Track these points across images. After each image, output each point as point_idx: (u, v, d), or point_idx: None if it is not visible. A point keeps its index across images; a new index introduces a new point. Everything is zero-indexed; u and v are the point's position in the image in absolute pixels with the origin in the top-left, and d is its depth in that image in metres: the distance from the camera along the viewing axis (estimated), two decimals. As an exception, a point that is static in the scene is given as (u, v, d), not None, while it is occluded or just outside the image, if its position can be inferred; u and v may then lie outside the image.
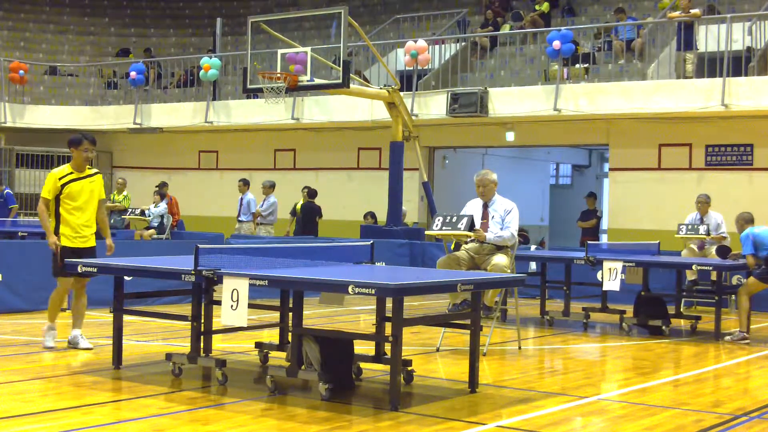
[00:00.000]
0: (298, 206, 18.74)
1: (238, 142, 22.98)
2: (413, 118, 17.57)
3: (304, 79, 14.97)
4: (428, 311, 12.43)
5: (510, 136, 19.56)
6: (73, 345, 8.87)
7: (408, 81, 19.01)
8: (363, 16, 25.01)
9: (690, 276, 12.75)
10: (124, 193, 19.05)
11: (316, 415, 6.31)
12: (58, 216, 8.75)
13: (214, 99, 22.11)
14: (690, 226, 13.68)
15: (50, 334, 8.85)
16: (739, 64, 16.44)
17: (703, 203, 13.94)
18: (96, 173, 9.01)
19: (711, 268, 10.95)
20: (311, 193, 18.72)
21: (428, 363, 8.59)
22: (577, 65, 18.90)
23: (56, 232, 8.75)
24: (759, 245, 10.37)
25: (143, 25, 29.25)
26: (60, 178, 8.73)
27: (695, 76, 16.85)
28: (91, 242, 8.93)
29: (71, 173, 8.78)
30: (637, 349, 9.99)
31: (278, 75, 14.86)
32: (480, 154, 22.65)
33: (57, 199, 8.75)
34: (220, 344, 8.83)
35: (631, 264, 11.03)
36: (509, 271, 9.27)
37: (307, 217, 18.50)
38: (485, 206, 9.70)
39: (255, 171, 21.88)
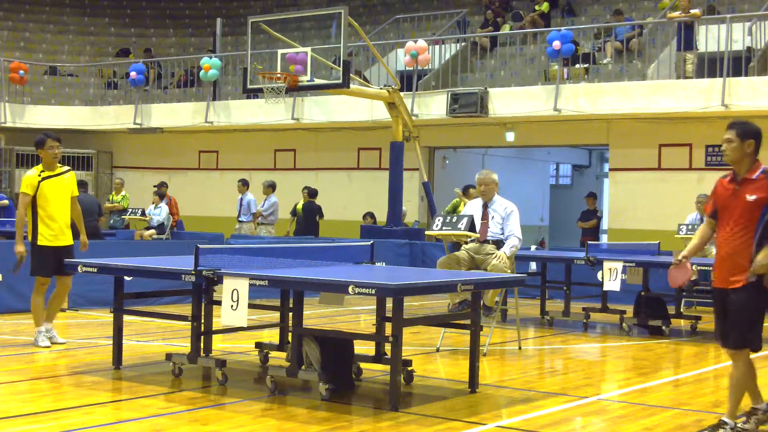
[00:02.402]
0: (299, 206, 18.74)
1: (238, 142, 22.98)
2: (413, 118, 17.56)
3: (304, 79, 14.97)
4: (428, 311, 12.44)
5: (510, 136, 19.56)
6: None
7: (408, 81, 19.01)
8: (363, 16, 25.01)
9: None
10: (123, 193, 19.05)
11: (316, 415, 6.31)
12: (35, 217, 8.84)
13: (214, 99, 22.10)
14: (690, 226, 13.68)
15: (41, 334, 8.88)
16: (739, 64, 16.44)
17: (704, 203, 13.93)
18: (68, 170, 9.10)
19: (711, 268, 10.92)
20: (312, 193, 18.73)
21: (428, 363, 8.59)
22: (577, 65, 18.90)
23: (35, 233, 8.84)
24: None
25: (143, 25, 29.24)
26: (38, 175, 8.85)
27: (695, 76, 16.85)
28: (69, 240, 9.02)
29: (44, 171, 8.91)
30: (637, 349, 9.99)
31: (278, 75, 14.86)
32: (480, 154, 22.65)
33: (33, 201, 8.84)
34: (220, 344, 8.83)
35: (631, 264, 11.02)
36: (509, 271, 9.27)
37: (308, 217, 18.50)
38: (485, 206, 9.71)
39: (255, 171, 21.88)
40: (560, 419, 6.53)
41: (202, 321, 7.57)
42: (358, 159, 21.44)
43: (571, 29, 18.62)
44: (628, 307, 11.53)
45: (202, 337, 7.60)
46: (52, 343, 8.93)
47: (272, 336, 9.01)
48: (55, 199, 8.89)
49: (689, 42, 17.25)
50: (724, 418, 5.90)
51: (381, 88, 16.62)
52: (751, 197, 5.82)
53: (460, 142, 20.64)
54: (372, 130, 20.34)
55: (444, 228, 9.35)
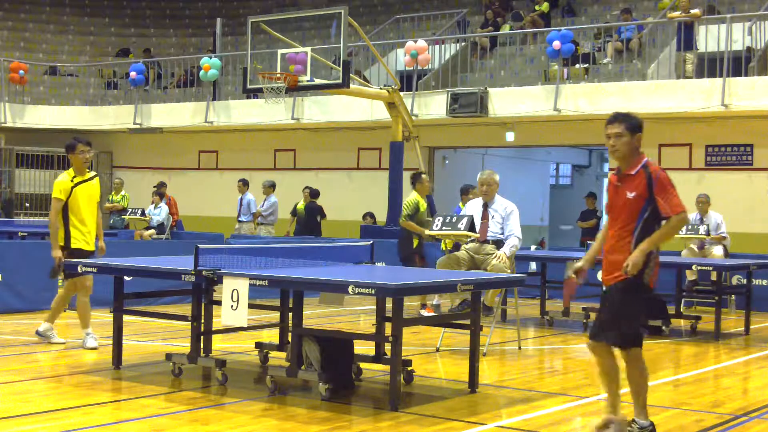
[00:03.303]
0: (300, 206, 18.73)
1: (238, 142, 22.98)
2: (413, 118, 17.56)
3: (304, 79, 14.97)
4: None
5: (510, 136, 19.55)
6: (45, 339, 9.05)
7: (408, 81, 19.00)
8: (363, 16, 25.01)
9: (690, 276, 12.75)
10: (122, 192, 19.04)
11: (316, 415, 6.31)
12: (67, 221, 8.82)
13: (214, 99, 22.10)
14: (690, 226, 13.68)
15: (89, 336, 8.87)
16: (739, 64, 16.43)
17: (704, 203, 13.94)
18: (94, 176, 9.13)
19: (711, 268, 10.96)
20: (313, 194, 18.74)
21: (428, 363, 8.59)
22: (577, 65, 18.90)
23: (67, 237, 8.81)
24: None
25: (143, 25, 29.24)
26: (71, 180, 8.84)
27: (695, 76, 16.85)
28: (93, 246, 9.06)
29: (75, 176, 8.91)
30: (637, 349, 9.97)
31: (278, 75, 14.86)
32: (480, 154, 22.65)
33: (65, 205, 8.82)
34: (220, 344, 8.83)
35: (631, 264, 11.01)
36: (509, 271, 9.27)
37: (310, 217, 18.52)
38: (485, 206, 9.71)
39: (255, 171, 21.87)
40: (560, 419, 6.53)
41: (202, 321, 7.58)
42: (358, 159, 21.44)
43: (571, 29, 18.60)
44: (628, 307, 11.51)
45: (202, 337, 7.60)
46: (50, 342, 8.95)
47: (272, 336, 9.01)
48: (85, 204, 8.89)
49: (689, 42, 17.24)
50: (634, 417, 5.78)
51: (381, 88, 16.62)
52: (630, 194, 5.66)
53: (460, 142, 20.64)
54: (372, 130, 20.34)
55: (444, 228, 9.35)
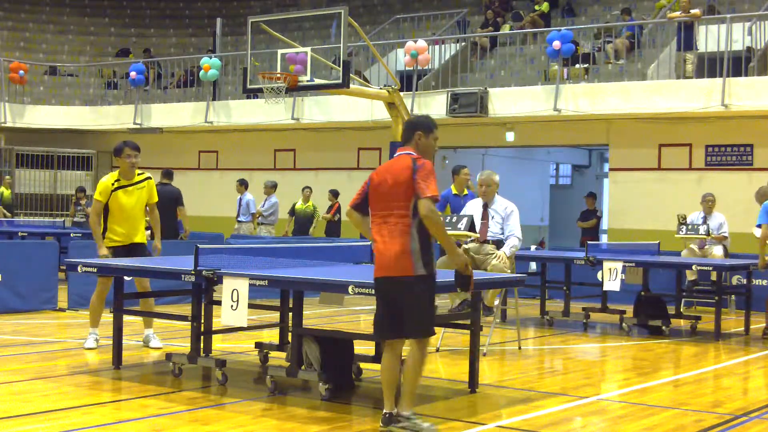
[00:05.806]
0: (299, 206, 18.72)
1: (238, 142, 22.98)
2: (413, 118, 17.52)
3: (304, 79, 14.95)
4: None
5: (510, 136, 19.54)
6: (145, 343, 9.02)
7: (408, 81, 19.00)
8: (363, 16, 25.01)
9: (690, 276, 12.75)
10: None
11: (316, 415, 6.32)
12: (105, 222, 8.81)
13: (214, 99, 22.10)
14: (690, 226, 13.68)
15: (92, 336, 8.83)
16: (739, 64, 16.43)
17: (711, 202, 13.94)
18: (146, 179, 8.98)
19: (711, 268, 10.97)
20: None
21: (428, 363, 8.56)
22: (577, 65, 18.90)
23: (103, 236, 8.81)
24: None
25: (143, 25, 29.25)
26: (112, 184, 8.78)
27: (695, 76, 16.85)
28: (141, 238, 8.94)
29: (119, 180, 8.83)
30: (637, 349, 9.99)
31: (278, 75, 14.85)
32: (480, 154, 22.63)
33: (105, 206, 8.78)
34: (220, 344, 8.83)
35: (631, 264, 11.03)
36: (509, 271, 9.27)
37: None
38: (485, 206, 9.71)
39: (255, 171, 21.88)
40: (560, 419, 6.53)
41: (202, 321, 7.58)
42: (358, 159, 21.44)
43: (571, 29, 18.60)
44: (628, 307, 11.54)
45: (202, 337, 7.60)
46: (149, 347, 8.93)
47: (272, 336, 9.01)
48: (126, 208, 8.80)
49: (689, 42, 17.24)
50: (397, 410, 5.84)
51: (381, 88, 16.61)
52: None
53: (460, 142, 20.62)
54: (372, 130, 20.34)
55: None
